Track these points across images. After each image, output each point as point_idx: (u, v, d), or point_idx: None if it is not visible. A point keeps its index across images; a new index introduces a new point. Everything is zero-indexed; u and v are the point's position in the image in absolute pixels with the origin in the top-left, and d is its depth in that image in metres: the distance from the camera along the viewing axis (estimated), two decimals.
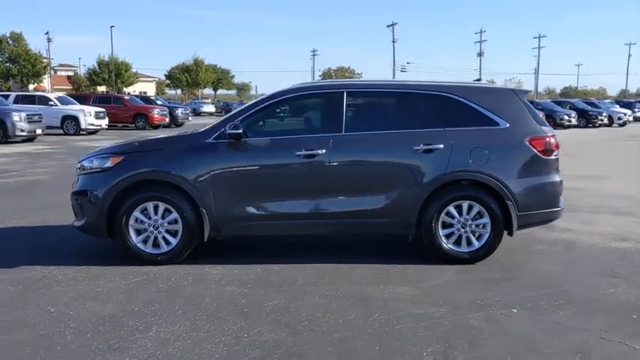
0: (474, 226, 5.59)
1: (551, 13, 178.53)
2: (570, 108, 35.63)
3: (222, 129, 5.59)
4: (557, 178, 5.75)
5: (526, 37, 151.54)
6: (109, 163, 5.61)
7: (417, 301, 4.65)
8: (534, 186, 5.63)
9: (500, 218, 5.55)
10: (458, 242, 5.63)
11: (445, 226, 5.61)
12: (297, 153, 5.52)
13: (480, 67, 78.68)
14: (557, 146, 5.75)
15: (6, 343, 3.85)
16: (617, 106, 40.45)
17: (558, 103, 38.04)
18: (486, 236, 5.59)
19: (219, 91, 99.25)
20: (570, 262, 5.80)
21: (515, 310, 4.44)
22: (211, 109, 58.17)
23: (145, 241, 5.60)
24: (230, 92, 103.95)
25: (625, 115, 37.19)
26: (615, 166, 13.91)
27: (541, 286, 5.01)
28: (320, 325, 4.15)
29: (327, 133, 5.60)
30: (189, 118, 35.94)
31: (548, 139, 5.69)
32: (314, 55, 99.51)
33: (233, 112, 5.81)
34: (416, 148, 5.55)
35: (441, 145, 5.53)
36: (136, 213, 5.55)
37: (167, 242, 5.59)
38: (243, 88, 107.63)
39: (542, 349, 3.77)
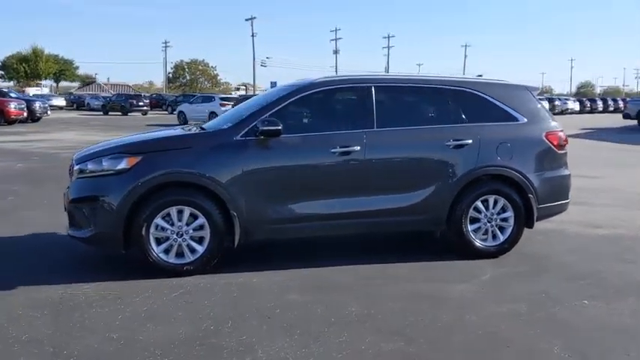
0: (498, 220, 5.68)
1: (400, 14, 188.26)
2: None
3: (251, 125, 5.16)
4: (567, 171, 6.01)
5: (378, 36, 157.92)
6: (124, 164, 4.93)
7: (489, 298, 4.61)
8: (551, 179, 5.84)
9: (523, 211, 5.69)
10: (484, 237, 5.68)
11: (472, 221, 5.64)
12: (332, 150, 5.25)
13: (336, 64, 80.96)
14: (566, 140, 6.02)
15: None
16: None
17: None
18: (510, 229, 5.70)
19: (62, 83, 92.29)
20: (578, 250, 6.09)
21: (586, 302, 4.55)
22: (61, 102, 53.81)
23: (166, 251, 5.01)
24: (73, 84, 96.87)
25: None
26: None
27: (579, 275, 5.20)
28: (427, 330, 3.96)
29: (359, 128, 5.38)
30: (48, 112, 32.99)
31: (561, 134, 5.95)
32: (166, 46, 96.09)
33: (259, 108, 5.36)
34: (447, 143, 5.52)
35: (470, 141, 5.55)
36: (158, 220, 4.95)
37: (192, 250, 5.05)
38: (88, 80, 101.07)
39: None
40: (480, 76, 6.37)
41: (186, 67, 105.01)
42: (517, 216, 5.68)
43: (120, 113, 43.88)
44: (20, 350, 3.59)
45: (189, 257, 5.03)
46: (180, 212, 4.99)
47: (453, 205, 5.54)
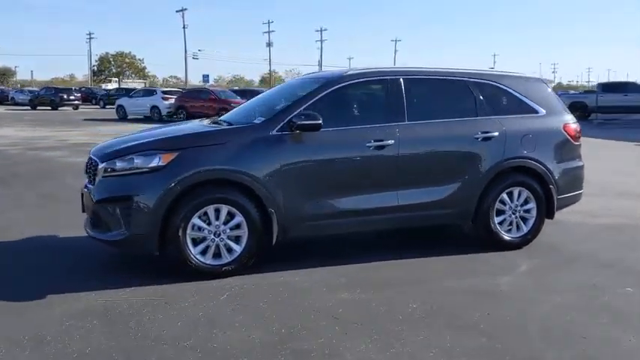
0: (522, 212, 5.75)
1: (333, 7, 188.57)
2: None
3: (287, 119, 4.97)
4: (581, 162, 6.14)
5: (311, 29, 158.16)
6: (158, 161, 4.65)
7: (539, 290, 4.63)
8: (568, 170, 5.95)
9: (544, 202, 5.77)
10: (508, 228, 5.73)
11: (497, 213, 5.67)
12: (367, 144, 5.16)
13: (270, 57, 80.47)
14: (580, 132, 6.16)
15: None
16: None
17: None
18: (532, 221, 5.77)
19: None
20: (590, 239, 6.23)
21: (630, 289, 4.67)
22: None
23: (203, 252, 4.78)
24: None
25: None
26: None
27: (606, 264, 5.31)
28: (499, 325, 3.93)
29: (392, 122, 5.31)
30: None
31: (576, 126, 6.07)
32: (90, 38, 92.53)
33: (292, 102, 5.18)
34: (476, 136, 5.53)
35: (497, 133, 5.58)
36: (195, 219, 4.71)
37: (229, 250, 4.84)
38: (5, 74, 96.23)
39: None
40: (492, 68, 6.37)
41: (112, 59, 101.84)
42: (539, 207, 5.76)
43: (49, 108, 41.94)
44: None
45: (227, 257, 4.82)
46: (217, 211, 4.77)
47: (481, 198, 5.55)
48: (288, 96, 5.71)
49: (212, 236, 4.77)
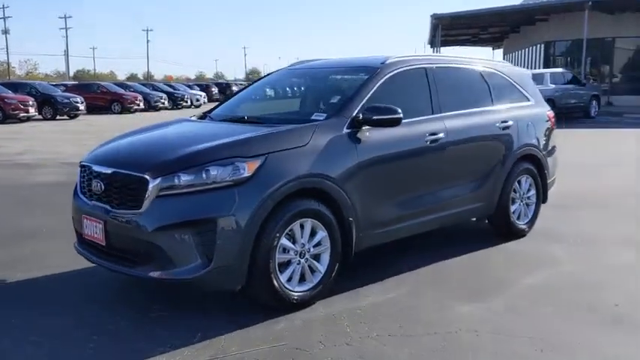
0: (526, 199, 5.84)
1: None
2: (156, 90, 36.52)
3: (353, 115, 4.30)
4: (556, 147, 6.45)
5: (54, 16, 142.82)
6: (243, 171, 3.66)
7: (608, 274, 4.70)
8: (552, 155, 6.20)
9: (541, 188, 5.95)
10: (518, 216, 5.76)
11: (512, 202, 5.66)
12: (425, 138, 4.74)
13: (7, 45, 71.48)
14: (555, 119, 6.45)
15: None
16: (197, 88, 43.56)
17: (145, 85, 37.93)
18: (534, 206, 5.90)
19: None
20: (553, 220, 6.38)
21: None
22: None
23: (289, 278, 3.92)
24: None
25: (202, 97, 40.04)
26: None
27: (616, 242, 5.58)
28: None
29: (436, 113, 4.96)
30: None
31: (552, 113, 6.35)
32: None
33: (350, 96, 4.47)
34: (498, 125, 5.45)
35: (511, 122, 5.57)
36: (283, 240, 3.83)
37: (312, 272, 4.05)
38: None
39: None
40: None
41: None
42: (538, 192, 5.90)
43: None
44: None
45: (312, 281, 4.03)
46: (301, 227, 3.94)
47: (503, 188, 5.49)
48: (308, 90, 5.07)
49: (298, 257, 3.94)
